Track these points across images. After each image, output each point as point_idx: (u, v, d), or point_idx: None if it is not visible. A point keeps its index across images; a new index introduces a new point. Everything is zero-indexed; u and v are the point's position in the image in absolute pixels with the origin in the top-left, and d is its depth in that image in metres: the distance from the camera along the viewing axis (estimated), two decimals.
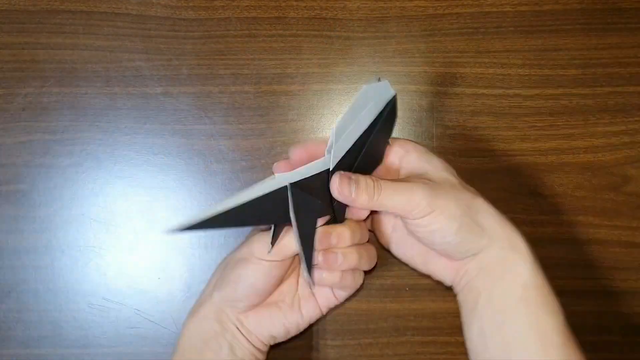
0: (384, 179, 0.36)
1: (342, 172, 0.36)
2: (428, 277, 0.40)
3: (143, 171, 0.46)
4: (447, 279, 0.39)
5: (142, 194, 0.46)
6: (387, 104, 0.38)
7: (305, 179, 0.35)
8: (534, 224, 0.45)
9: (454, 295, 0.45)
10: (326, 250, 0.37)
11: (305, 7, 0.47)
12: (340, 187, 0.36)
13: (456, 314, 0.45)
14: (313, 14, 0.47)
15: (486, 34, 0.46)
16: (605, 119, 0.46)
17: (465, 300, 0.38)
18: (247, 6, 0.47)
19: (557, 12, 0.47)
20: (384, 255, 0.45)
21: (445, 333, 0.45)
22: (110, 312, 0.45)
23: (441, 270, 0.39)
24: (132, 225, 0.46)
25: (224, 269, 0.39)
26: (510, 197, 0.45)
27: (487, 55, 0.46)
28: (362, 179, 0.36)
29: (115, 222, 0.46)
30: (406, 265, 0.41)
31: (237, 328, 0.39)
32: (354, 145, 0.37)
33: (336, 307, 0.41)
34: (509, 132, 0.46)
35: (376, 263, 0.41)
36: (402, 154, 0.40)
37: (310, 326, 0.41)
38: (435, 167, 0.38)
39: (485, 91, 0.46)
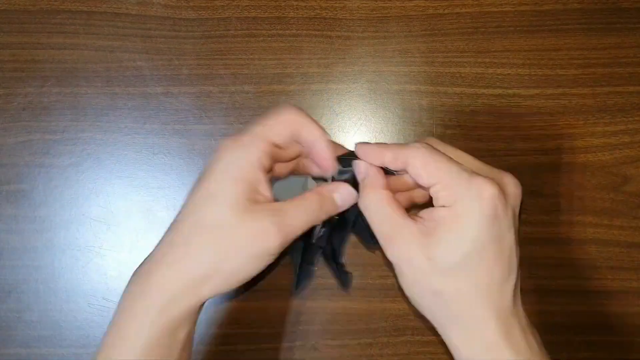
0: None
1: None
2: None
3: (143, 171, 0.46)
4: None
5: (142, 193, 0.46)
6: None
7: None
8: (534, 224, 0.45)
9: None
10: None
11: (305, 7, 0.47)
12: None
13: None
14: (313, 13, 0.47)
15: (486, 34, 0.46)
16: (605, 119, 0.46)
17: None
18: (247, 6, 0.47)
19: (557, 12, 0.47)
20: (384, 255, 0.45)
21: None
22: (110, 312, 0.44)
23: None
24: (132, 225, 0.46)
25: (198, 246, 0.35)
26: None
27: (487, 55, 0.46)
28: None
29: (116, 222, 0.46)
30: None
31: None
32: None
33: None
34: (509, 132, 0.46)
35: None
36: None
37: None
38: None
39: (485, 91, 0.46)
